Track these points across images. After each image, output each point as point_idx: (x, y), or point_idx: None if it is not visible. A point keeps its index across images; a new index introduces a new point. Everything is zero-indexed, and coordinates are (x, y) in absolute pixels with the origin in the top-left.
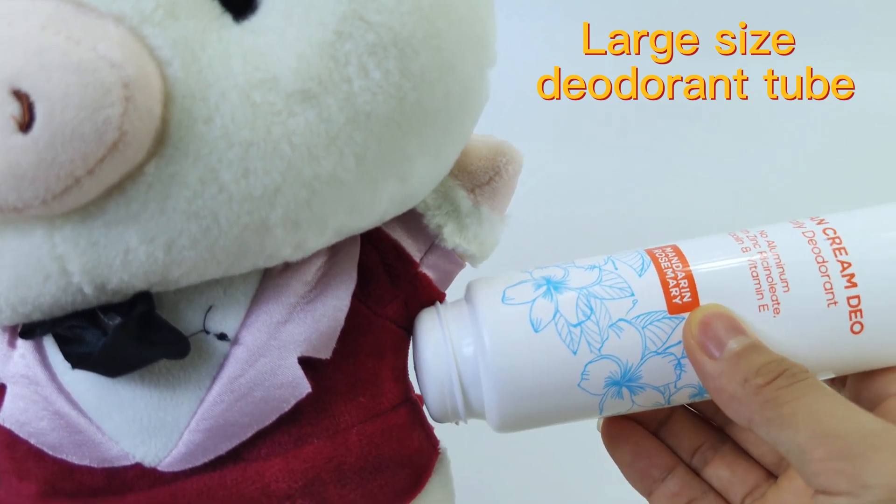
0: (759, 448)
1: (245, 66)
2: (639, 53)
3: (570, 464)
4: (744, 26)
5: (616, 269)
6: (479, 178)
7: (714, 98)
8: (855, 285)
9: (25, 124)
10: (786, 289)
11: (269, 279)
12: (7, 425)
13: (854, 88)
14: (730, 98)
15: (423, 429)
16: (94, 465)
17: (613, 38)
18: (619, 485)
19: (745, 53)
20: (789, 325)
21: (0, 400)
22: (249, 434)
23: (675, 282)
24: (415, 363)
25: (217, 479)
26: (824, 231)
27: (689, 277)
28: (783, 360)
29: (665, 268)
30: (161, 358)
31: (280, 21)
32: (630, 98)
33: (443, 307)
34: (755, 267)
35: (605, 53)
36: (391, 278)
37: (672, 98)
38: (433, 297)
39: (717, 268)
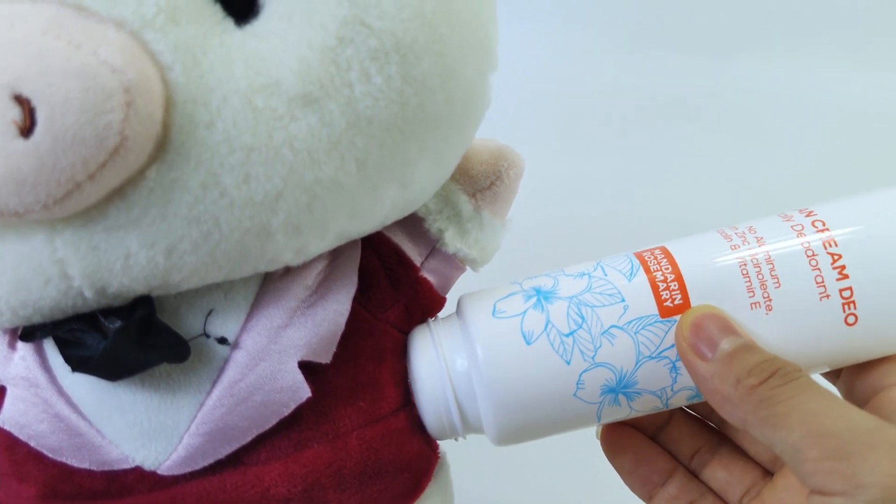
0: (755, 447)
1: (247, 71)
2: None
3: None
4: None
5: (605, 275)
6: (481, 182)
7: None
8: (846, 277)
9: (26, 129)
10: (777, 285)
11: (269, 283)
12: (7, 427)
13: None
14: (730, 98)
15: (422, 433)
16: (94, 468)
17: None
18: (618, 489)
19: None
20: (782, 322)
21: (0, 402)
22: (249, 438)
23: (664, 284)
24: (410, 382)
25: (217, 483)
26: (813, 223)
27: (679, 279)
28: (776, 359)
29: (654, 270)
30: (161, 362)
31: (282, 25)
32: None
33: (434, 324)
34: (745, 264)
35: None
36: (392, 282)
37: (672, 98)
38: (434, 301)
39: (707, 267)
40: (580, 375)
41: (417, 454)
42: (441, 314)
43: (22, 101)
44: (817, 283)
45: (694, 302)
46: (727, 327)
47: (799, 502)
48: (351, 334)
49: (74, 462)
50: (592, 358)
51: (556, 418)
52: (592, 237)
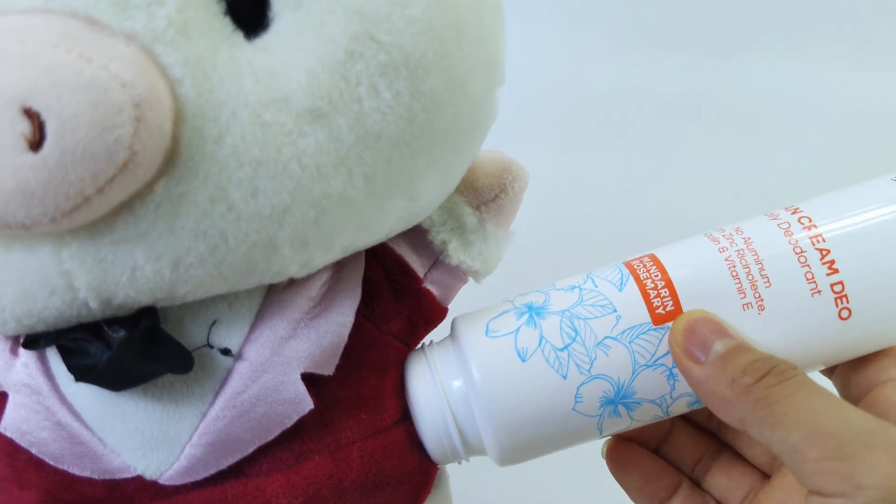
0: (753, 450)
1: (256, 85)
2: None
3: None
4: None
5: (596, 286)
6: (485, 195)
7: (714, 98)
8: (836, 271)
9: (36, 143)
10: (767, 284)
11: (273, 295)
12: (8, 434)
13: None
14: (729, 98)
15: (422, 446)
16: (95, 476)
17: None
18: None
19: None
20: (776, 321)
21: (1, 408)
22: (251, 449)
23: (655, 292)
24: (409, 407)
25: (218, 493)
26: (799, 220)
27: (670, 285)
28: (770, 357)
29: (644, 279)
30: (165, 373)
31: (291, 39)
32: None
33: (430, 349)
34: (734, 266)
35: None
36: (395, 294)
37: (672, 98)
38: (436, 312)
39: (696, 272)
40: (578, 389)
41: (417, 466)
42: (440, 324)
43: (32, 115)
44: (808, 279)
45: (686, 307)
46: (719, 330)
47: (796, 503)
48: (354, 346)
49: (76, 470)
50: (588, 370)
51: (557, 434)
52: (592, 237)
